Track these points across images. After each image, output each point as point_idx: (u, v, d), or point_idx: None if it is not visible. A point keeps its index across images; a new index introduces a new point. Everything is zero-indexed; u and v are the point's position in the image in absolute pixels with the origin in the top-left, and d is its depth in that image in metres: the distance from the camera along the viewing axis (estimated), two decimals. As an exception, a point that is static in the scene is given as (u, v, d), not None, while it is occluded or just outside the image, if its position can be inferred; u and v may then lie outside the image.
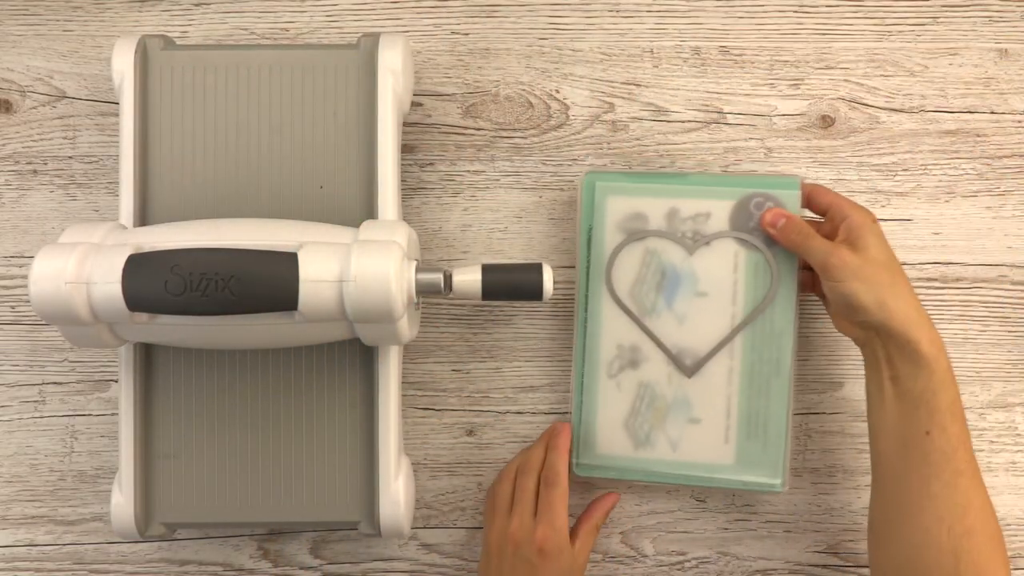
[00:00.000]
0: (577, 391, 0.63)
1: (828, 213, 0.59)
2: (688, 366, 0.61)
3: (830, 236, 0.57)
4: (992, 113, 0.66)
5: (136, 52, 0.59)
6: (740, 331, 0.61)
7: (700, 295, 0.61)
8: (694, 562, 0.65)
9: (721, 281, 0.61)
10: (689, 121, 0.66)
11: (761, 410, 0.61)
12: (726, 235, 0.61)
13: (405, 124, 0.65)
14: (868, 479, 0.65)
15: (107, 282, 0.50)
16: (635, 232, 0.61)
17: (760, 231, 0.60)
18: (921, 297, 0.65)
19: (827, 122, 0.66)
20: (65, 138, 0.66)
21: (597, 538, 0.64)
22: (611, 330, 0.62)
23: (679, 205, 0.61)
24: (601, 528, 0.64)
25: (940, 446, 0.52)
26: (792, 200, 0.60)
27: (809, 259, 0.57)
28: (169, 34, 0.64)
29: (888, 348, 0.55)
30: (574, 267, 0.64)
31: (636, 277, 0.62)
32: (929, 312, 0.64)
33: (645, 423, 0.62)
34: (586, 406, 0.63)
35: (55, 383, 0.65)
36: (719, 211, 0.61)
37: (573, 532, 0.61)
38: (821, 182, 0.65)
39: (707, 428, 0.61)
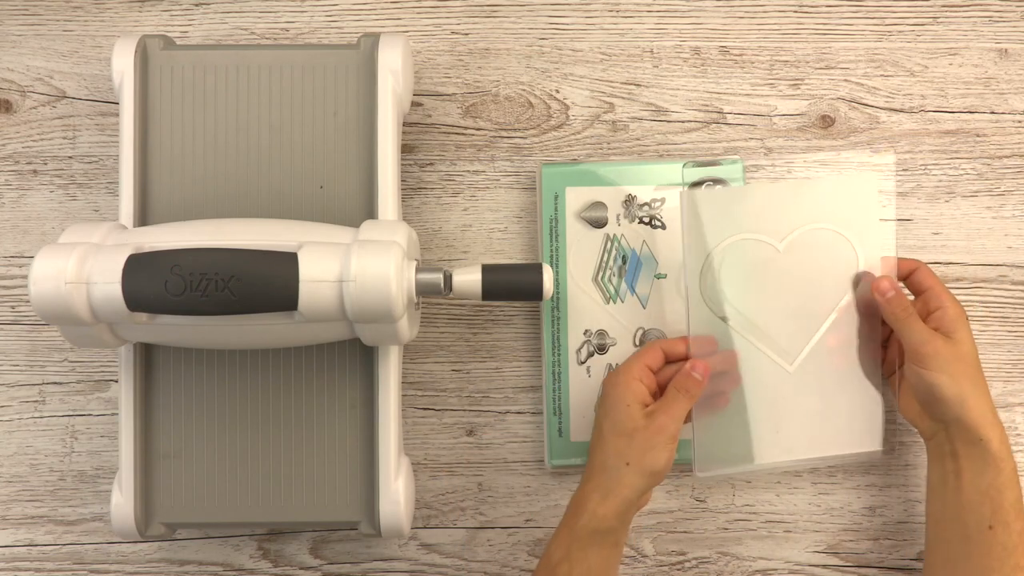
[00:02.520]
0: (548, 381, 0.64)
1: (924, 296, 0.59)
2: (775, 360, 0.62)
3: (920, 317, 0.58)
4: (992, 113, 0.66)
5: (136, 52, 0.59)
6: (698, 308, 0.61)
7: (660, 277, 0.63)
8: (694, 562, 0.65)
9: (678, 263, 0.63)
10: (689, 121, 0.66)
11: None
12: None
13: (405, 124, 0.65)
14: (868, 479, 0.65)
15: (107, 282, 0.50)
16: (594, 221, 0.63)
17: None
18: (921, 297, 0.65)
19: (827, 122, 0.66)
20: (65, 138, 0.66)
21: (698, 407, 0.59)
22: (577, 317, 0.64)
23: (635, 192, 0.63)
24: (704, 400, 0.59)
25: (1002, 541, 0.54)
26: (736, 178, 0.62)
27: (904, 338, 0.57)
28: (169, 34, 0.64)
29: (955, 443, 0.56)
30: (574, 267, 0.64)
31: (598, 264, 0.63)
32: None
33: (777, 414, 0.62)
34: (559, 395, 0.64)
35: (55, 383, 0.65)
36: (673, 195, 0.64)
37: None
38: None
39: (851, 414, 0.62)
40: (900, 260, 0.60)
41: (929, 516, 0.58)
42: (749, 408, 0.61)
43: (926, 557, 0.58)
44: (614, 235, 0.64)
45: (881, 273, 0.60)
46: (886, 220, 0.61)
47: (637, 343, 0.64)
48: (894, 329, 0.58)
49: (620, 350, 0.64)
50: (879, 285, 0.58)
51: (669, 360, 0.59)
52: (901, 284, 0.60)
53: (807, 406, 0.61)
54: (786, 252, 0.60)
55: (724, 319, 0.60)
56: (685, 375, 0.58)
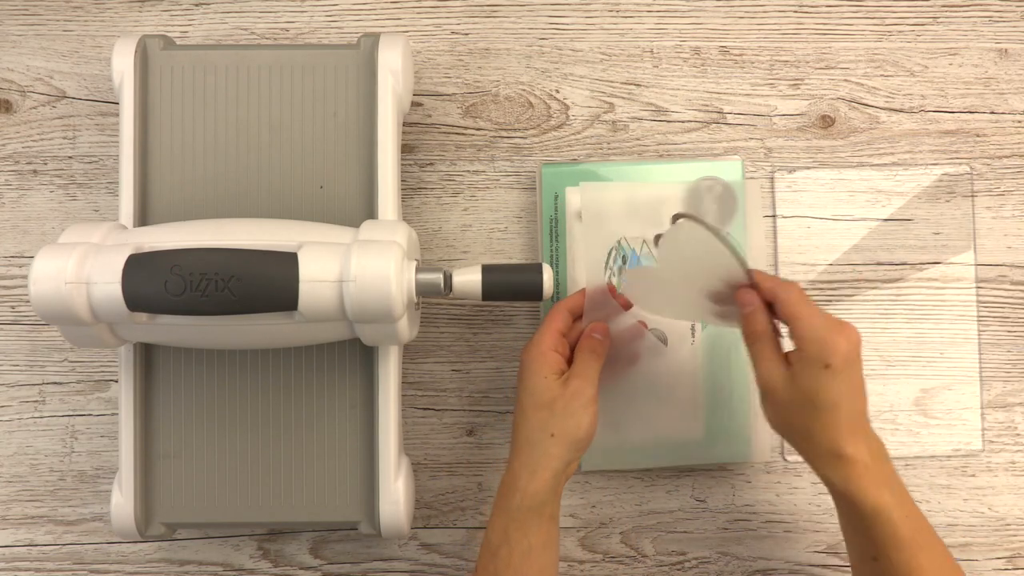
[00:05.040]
0: None
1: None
2: (656, 340, 0.63)
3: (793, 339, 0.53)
4: (992, 113, 0.66)
5: (136, 52, 0.59)
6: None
7: None
8: (694, 562, 0.65)
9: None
10: (689, 121, 0.66)
11: (724, 383, 0.63)
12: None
13: (405, 124, 0.65)
14: (868, 479, 0.65)
15: (107, 282, 0.50)
16: (598, 218, 0.63)
17: (712, 213, 0.63)
18: (921, 297, 0.65)
19: (827, 122, 0.66)
20: (65, 138, 0.66)
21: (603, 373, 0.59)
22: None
23: (636, 192, 0.63)
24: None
25: (888, 571, 0.52)
26: (735, 177, 0.64)
27: (751, 362, 0.54)
28: (169, 34, 0.64)
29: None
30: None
31: (602, 262, 0.63)
32: (929, 312, 0.65)
33: (616, 406, 0.63)
34: None
35: (55, 383, 0.65)
36: (673, 195, 0.63)
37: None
38: (821, 182, 0.65)
39: (676, 405, 0.63)
40: (772, 278, 0.53)
41: None
42: (629, 399, 0.63)
43: None
44: (615, 235, 0.64)
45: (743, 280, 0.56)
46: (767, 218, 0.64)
47: None
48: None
49: (631, 346, 0.63)
50: (741, 297, 0.54)
51: (575, 316, 0.60)
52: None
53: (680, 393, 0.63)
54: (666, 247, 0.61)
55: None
56: (587, 337, 0.58)
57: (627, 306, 0.61)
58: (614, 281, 0.63)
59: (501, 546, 0.54)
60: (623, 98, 0.66)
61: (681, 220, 0.54)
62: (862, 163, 0.66)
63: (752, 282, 0.54)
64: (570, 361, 0.58)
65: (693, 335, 0.63)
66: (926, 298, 0.65)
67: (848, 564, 0.65)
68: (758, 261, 0.64)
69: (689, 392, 0.64)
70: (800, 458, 0.65)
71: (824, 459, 0.52)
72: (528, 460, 0.55)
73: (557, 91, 0.66)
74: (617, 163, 0.65)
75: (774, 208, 0.65)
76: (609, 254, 0.63)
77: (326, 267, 0.51)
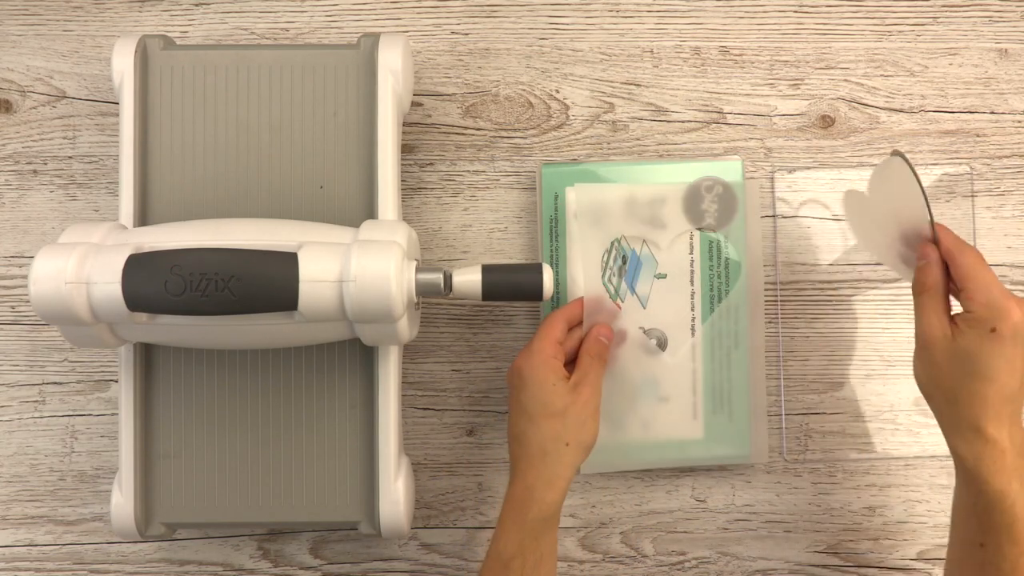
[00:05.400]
0: None
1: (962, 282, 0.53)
2: (653, 347, 0.63)
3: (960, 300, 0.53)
4: (992, 113, 0.66)
5: (136, 52, 0.59)
6: (699, 309, 0.64)
7: (660, 277, 0.63)
8: (694, 562, 0.65)
9: (679, 262, 0.63)
10: (689, 121, 0.66)
11: (724, 383, 0.63)
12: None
13: (405, 124, 0.65)
14: (868, 479, 0.65)
15: (107, 282, 0.50)
16: (596, 219, 0.63)
17: (712, 213, 0.63)
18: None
19: (827, 122, 0.66)
20: (65, 138, 0.66)
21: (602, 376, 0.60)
22: None
23: (635, 192, 0.63)
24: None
25: (993, 561, 0.51)
26: (735, 177, 0.64)
27: (915, 313, 0.54)
28: (169, 34, 0.64)
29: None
30: (574, 267, 0.64)
31: (599, 263, 0.63)
32: (929, 312, 0.65)
33: (616, 406, 0.63)
34: None
35: (55, 383, 0.65)
36: (673, 195, 0.63)
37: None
38: (821, 182, 0.65)
39: (676, 405, 0.63)
40: (957, 241, 0.53)
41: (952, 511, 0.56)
42: (629, 400, 0.63)
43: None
44: (614, 235, 0.64)
45: (751, 296, 0.62)
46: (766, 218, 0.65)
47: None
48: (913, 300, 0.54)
49: (620, 350, 0.63)
50: (921, 249, 0.54)
51: (571, 326, 0.60)
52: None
53: (677, 395, 0.63)
54: (667, 250, 0.63)
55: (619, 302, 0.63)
56: (595, 340, 0.59)
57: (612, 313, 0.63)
58: (614, 281, 0.63)
59: (514, 558, 0.54)
60: (623, 98, 0.66)
61: (894, 157, 0.54)
62: (862, 163, 0.66)
63: (935, 238, 0.53)
64: (567, 366, 0.59)
65: (693, 334, 0.63)
66: (926, 298, 0.65)
67: (848, 564, 0.65)
68: (756, 262, 0.64)
69: (689, 392, 0.63)
70: (800, 458, 0.65)
71: (962, 431, 0.51)
72: (543, 470, 0.55)
73: (557, 91, 0.66)
74: (617, 163, 0.65)
75: (774, 208, 0.65)
76: (608, 253, 0.63)
77: (326, 267, 0.51)
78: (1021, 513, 0.50)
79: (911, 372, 0.65)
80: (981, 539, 0.52)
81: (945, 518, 0.65)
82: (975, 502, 0.51)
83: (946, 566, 0.56)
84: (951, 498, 0.65)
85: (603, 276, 0.63)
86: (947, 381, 0.51)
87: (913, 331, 0.65)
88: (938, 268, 0.53)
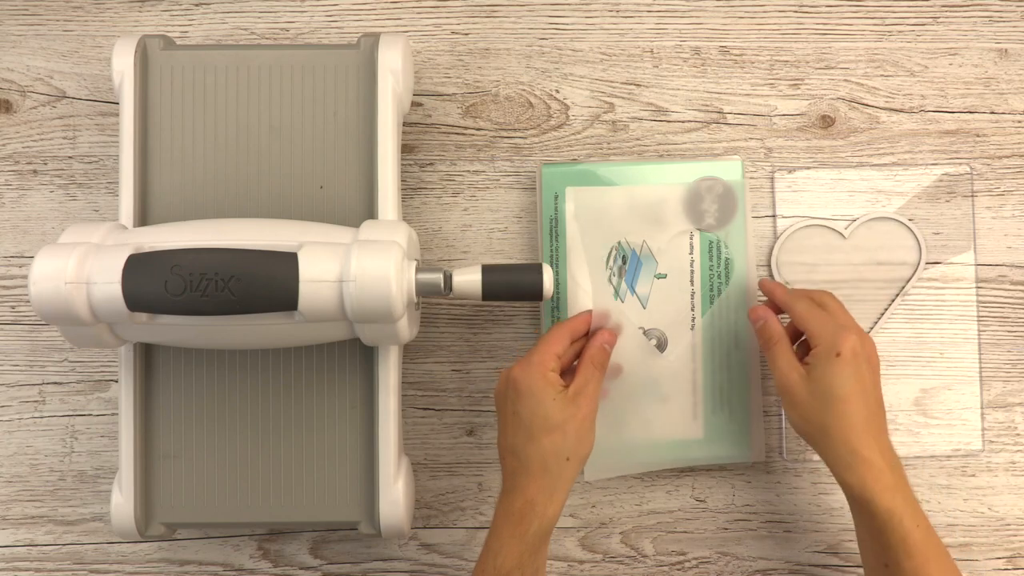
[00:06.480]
0: None
1: (791, 322, 0.59)
2: (653, 347, 0.63)
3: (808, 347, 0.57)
4: (992, 113, 0.66)
5: (136, 52, 0.59)
6: (699, 308, 0.64)
7: (660, 277, 0.63)
8: (694, 562, 0.65)
9: (679, 262, 0.63)
10: (689, 121, 0.66)
11: (724, 383, 0.64)
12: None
13: (405, 124, 0.65)
14: (868, 479, 0.65)
15: (107, 282, 0.50)
16: (596, 220, 0.63)
17: (712, 213, 0.63)
18: (921, 297, 0.65)
19: (827, 122, 0.66)
20: (65, 138, 0.66)
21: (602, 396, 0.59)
22: None
23: (635, 192, 0.63)
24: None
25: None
26: (735, 177, 0.64)
27: (771, 369, 0.57)
28: (169, 34, 0.64)
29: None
30: (574, 267, 0.64)
31: (599, 264, 0.63)
32: (929, 312, 0.65)
33: (617, 407, 0.63)
34: None
35: (55, 383, 0.65)
36: (673, 195, 0.63)
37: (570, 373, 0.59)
38: (821, 182, 0.65)
39: (676, 405, 0.63)
40: (789, 292, 0.59)
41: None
42: (629, 397, 0.63)
43: None
44: (615, 235, 0.64)
45: (750, 296, 0.63)
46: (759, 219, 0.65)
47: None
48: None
49: (620, 350, 0.63)
50: (753, 313, 0.60)
51: (574, 340, 0.59)
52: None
53: (676, 396, 0.63)
54: (667, 250, 0.63)
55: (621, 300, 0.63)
56: (598, 348, 0.58)
57: (612, 368, 0.62)
58: (613, 281, 0.63)
59: (513, 571, 0.54)
60: (623, 98, 0.66)
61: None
62: (862, 163, 0.66)
63: (764, 291, 0.59)
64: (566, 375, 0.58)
65: (693, 334, 0.63)
66: (926, 298, 0.65)
67: (848, 564, 0.65)
68: (749, 261, 0.64)
69: (689, 392, 0.63)
70: (800, 458, 0.65)
71: (842, 458, 0.54)
72: (545, 485, 0.54)
73: (557, 91, 0.66)
74: (617, 163, 0.65)
75: (774, 208, 0.65)
76: (609, 255, 0.63)
77: (326, 267, 0.51)
78: (910, 526, 0.52)
79: (911, 372, 0.65)
80: (885, 560, 0.53)
81: (945, 518, 0.65)
82: (870, 525, 0.54)
83: None
84: (951, 498, 0.65)
85: (605, 275, 0.63)
86: (815, 416, 0.54)
87: (912, 330, 0.65)
88: (775, 322, 0.58)
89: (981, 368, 0.65)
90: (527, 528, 0.54)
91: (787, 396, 0.55)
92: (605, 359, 0.59)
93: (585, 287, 0.63)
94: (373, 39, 0.60)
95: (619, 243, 0.63)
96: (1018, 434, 0.65)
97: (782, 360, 0.56)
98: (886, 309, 0.65)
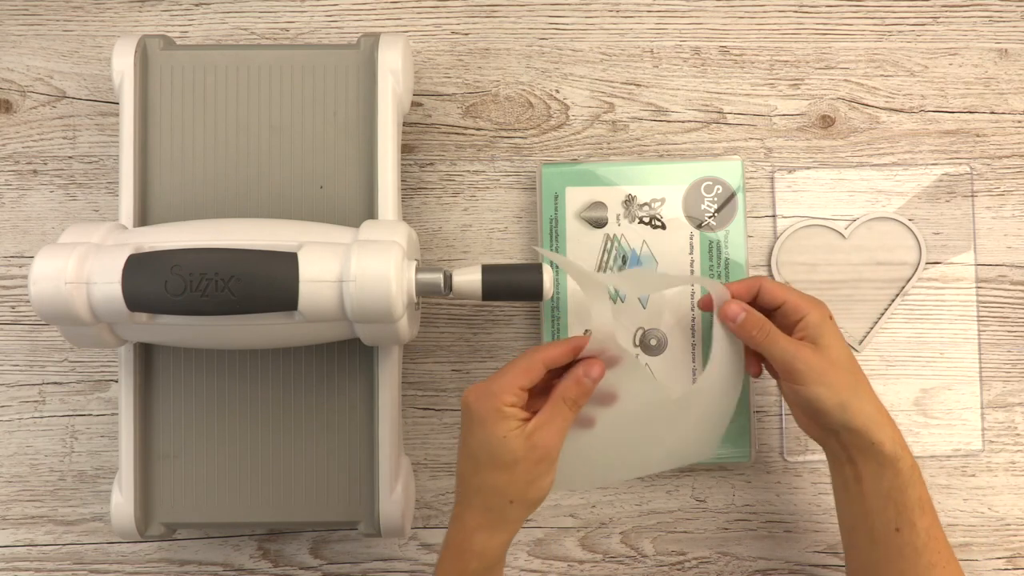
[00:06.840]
0: None
1: (781, 309, 0.55)
2: (653, 346, 0.63)
3: (785, 332, 0.55)
4: (992, 113, 0.66)
5: (136, 52, 0.59)
6: (699, 308, 0.63)
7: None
8: (694, 562, 0.65)
9: (678, 262, 0.63)
10: (689, 121, 0.66)
11: None
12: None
13: (405, 124, 0.65)
14: (868, 479, 0.65)
15: (107, 282, 0.50)
16: (594, 221, 0.63)
17: (712, 213, 0.63)
18: (921, 297, 0.65)
19: (827, 122, 0.66)
20: (65, 138, 0.66)
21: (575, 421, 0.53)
22: (577, 318, 0.64)
23: (635, 192, 0.63)
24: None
25: (911, 541, 0.52)
26: (735, 177, 0.63)
27: (771, 357, 0.54)
28: (169, 34, 0.64)
29: (849, 449, 0.53)
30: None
31: (598, 263, 0.63)
32: (929, 312, 0.65)
33: (605, 437, 0.61)
34: None
35: (55, 383, 0.65)
36: (673, 195, 0.63)
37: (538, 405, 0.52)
38: (821, 182, 0.65)
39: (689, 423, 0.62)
40: (742, 281, 0.57)
41: (840, 523, 0.56)
42: (620, 430, 0.56)
43: (846, 564, 0.56)
44: (614, 235, 0.64)
45: (719, 299, 0.56)
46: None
47: (637, 343, 0.64)
48: (758, 351, 0.55)
49: (618, 378, 0.61)
50: (726, 312, 0.55)
51: (550, 370, 0.52)
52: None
53: (679, 427, 0.58)
54: (667, 250, 0.63)
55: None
56: (573, 381, 0.51)
57: (606, 395, 0.55)
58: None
59: None
60: (623, 98, 0.66)
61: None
62: (862, 163, 0.66)
63: (731, 293, 0.57)
64: (528, 406, 0.51)
65: (693, 335, 0.63)
66: (926, 298, 0.65)
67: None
68: (755, 261, 0.64)
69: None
70: (800, 458, 0.65)
71: (872, 418, 0.53)
72: (484, 522, 0.50)
73: (557, 91, 0.66)
74: (617, 163, 0.65)
75: (774, 208, 0.65)
76: (608, 252, 0.63)
77: (326, 267, 0.51)
78: (920, 480, 0.53)
79: (911, 372, 0.65)
80: (897, 523, 0.52)
81: (945, 518, 0.64)
82: (892, 484, 0.52)
83: (853, 572, 0.56)
84: (951, 498, 0.65)
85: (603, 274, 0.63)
86: (841, 380, 0.53)
87: (912, 330, 0.65)
88: (755, 311, 0.55)
89: (981, 368, 0.65)
90: (465, 565, 0.50)
91: (808, 373, 0.52)
92: (581, 395, 0.52)
93: (595, 324, 0.54)
94: (373, 39, 0.60)
95: (619, 242, 0.63)
96: (1018, 434, 0.65)
97: (784, 341, 0.54)
98: (886, 309, 0.65)
